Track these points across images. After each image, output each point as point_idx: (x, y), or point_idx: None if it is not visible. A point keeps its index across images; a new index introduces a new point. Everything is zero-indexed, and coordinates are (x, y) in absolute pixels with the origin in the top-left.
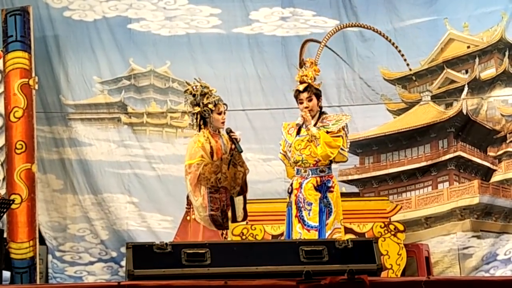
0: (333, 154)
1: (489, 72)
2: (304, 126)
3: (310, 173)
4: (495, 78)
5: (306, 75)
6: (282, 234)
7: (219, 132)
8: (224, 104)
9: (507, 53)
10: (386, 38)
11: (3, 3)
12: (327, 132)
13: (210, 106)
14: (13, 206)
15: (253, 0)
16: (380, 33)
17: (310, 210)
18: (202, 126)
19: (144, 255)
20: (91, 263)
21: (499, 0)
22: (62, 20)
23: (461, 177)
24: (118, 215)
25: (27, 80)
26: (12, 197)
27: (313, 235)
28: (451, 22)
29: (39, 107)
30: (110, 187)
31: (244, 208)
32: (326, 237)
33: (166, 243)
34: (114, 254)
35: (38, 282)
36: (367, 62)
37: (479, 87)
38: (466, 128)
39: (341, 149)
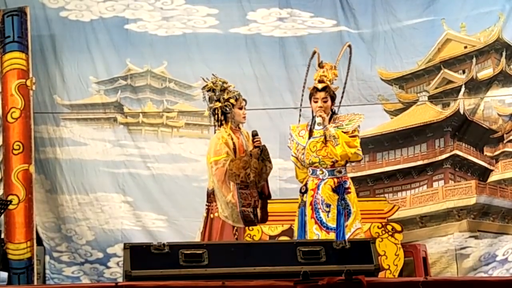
0: (352, 154)
1: (486, 72)
2: (322, 126)
3: (327, 174)
4: (492, 78)
5: (325, 76)
6: (279, 235)
7: (239, 128)
8: (244, 99)
9: (504, 53)
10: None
11: None
12: (343, 133)
13: (232, 100)
14: (10, 206)
15: (250, 0)
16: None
17: (329, 211)
18: (223, 122)
19: (141, 255)
20: (89, 262)
21: (496, 1)
22: (58, 20)
23: (457, 176)
24: (112, 215)
25: (24, 80)
26: (10, 197)
27: (333, 236)
28: (448, 23)
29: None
30: (105, 187)
31: (264, 209)
32: (346, 238)
33: (164, 244)
34: (109, 253)
35: (35, 283)
36: (365, 63)
37: (476, 87)
38: (463, 127)
39: (357, 148)
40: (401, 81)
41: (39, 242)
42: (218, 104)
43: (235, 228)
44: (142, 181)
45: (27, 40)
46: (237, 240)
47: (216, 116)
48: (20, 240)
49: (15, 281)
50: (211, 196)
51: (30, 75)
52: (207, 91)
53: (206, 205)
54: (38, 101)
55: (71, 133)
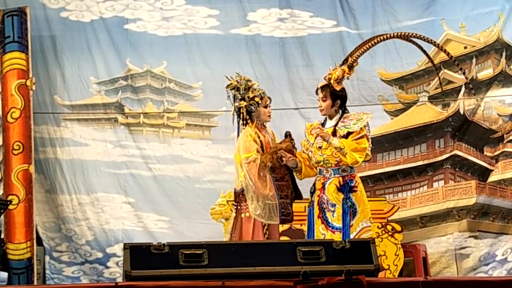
0: (361, 157)
1: (486, 72)
2: (327, 142)
3: (332, 173)
4: (492, 79)
5: (331, 74)
6: (280, 235)
7: (264, 126)
8: (269, 97)
9: (504, 54)
10: (438, 46)
11: None
12: (349, 133)
13: (257, 99)
14: (10, 206)
15: (250, 1)
16: (431, 42)
17: (334, 211)
18: (249, 121)
19: (141, 255)
20: (88, 262)
21: (496, 1)
22: (59, 20)
23: (457, 176)
24: (113, 215)
25: (24, 81)
26: (10, 198)
27: (338, 236)
28: (448, 23)
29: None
30: (106, 187)
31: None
32: (351, 238)
33: (164, 244)
34: (108, 253)
35: (35, 283)
36: (365, 63)
37: (476, 87)
38: (463, 127)
39: (366, 149)
40: (401, 82)
41: (39, 242)
42: (243, 103)
43: (265, 226)
44: (144, 182)
45: (27, 40)
46: (268, 239)
47: (241, 115)
48: (20, 240)
49: (15, 281)
50: (239, 196)
51: (30, 75)
52: (231, 89)
53: (234, 205)
54: (38, 101)
55: (71, 133)
